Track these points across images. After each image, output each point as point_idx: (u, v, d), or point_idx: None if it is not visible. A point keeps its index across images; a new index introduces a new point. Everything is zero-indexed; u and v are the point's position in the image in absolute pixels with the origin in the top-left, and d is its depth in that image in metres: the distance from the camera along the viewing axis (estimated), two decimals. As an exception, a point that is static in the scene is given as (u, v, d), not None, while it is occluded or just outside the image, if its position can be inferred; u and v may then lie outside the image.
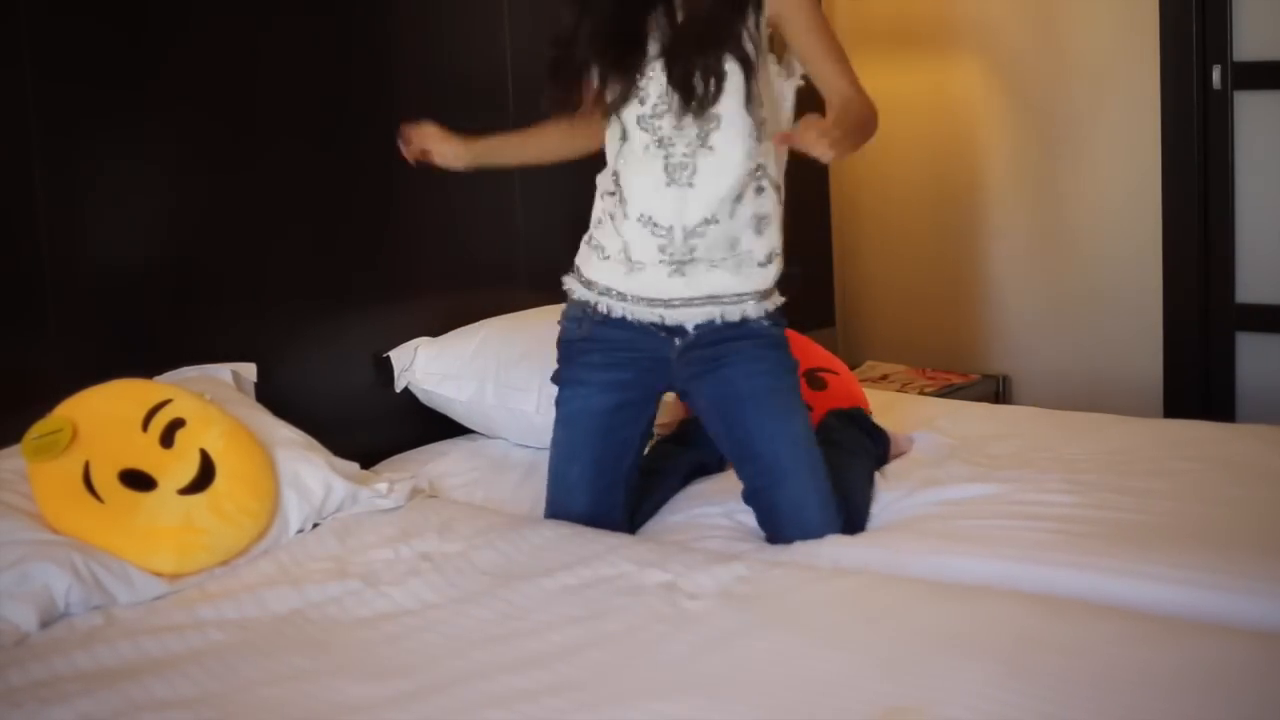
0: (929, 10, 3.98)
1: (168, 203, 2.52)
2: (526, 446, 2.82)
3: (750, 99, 2.28)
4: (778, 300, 2.40)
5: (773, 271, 2.37)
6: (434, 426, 2.90)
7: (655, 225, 2.31)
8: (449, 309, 2.97)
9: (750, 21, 2.29)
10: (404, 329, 2.91)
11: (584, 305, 2.40)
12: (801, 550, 2.22)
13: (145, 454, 2.18)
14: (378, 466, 2.69)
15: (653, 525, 2.45)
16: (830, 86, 2.33)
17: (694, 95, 2.25)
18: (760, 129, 2.31)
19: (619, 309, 2.36)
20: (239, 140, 2.61)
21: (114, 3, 2.41)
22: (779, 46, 2.37)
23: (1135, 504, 2.28)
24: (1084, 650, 1.67)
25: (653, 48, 2.29)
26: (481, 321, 2.95)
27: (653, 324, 2.36)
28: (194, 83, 2.54)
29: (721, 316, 2.34)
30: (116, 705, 1.66)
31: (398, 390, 2.87)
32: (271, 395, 2.54)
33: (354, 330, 2.84)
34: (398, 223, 2.92)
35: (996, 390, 3.92)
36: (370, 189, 2.85)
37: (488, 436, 2.91)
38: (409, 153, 2.51)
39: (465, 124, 3.01)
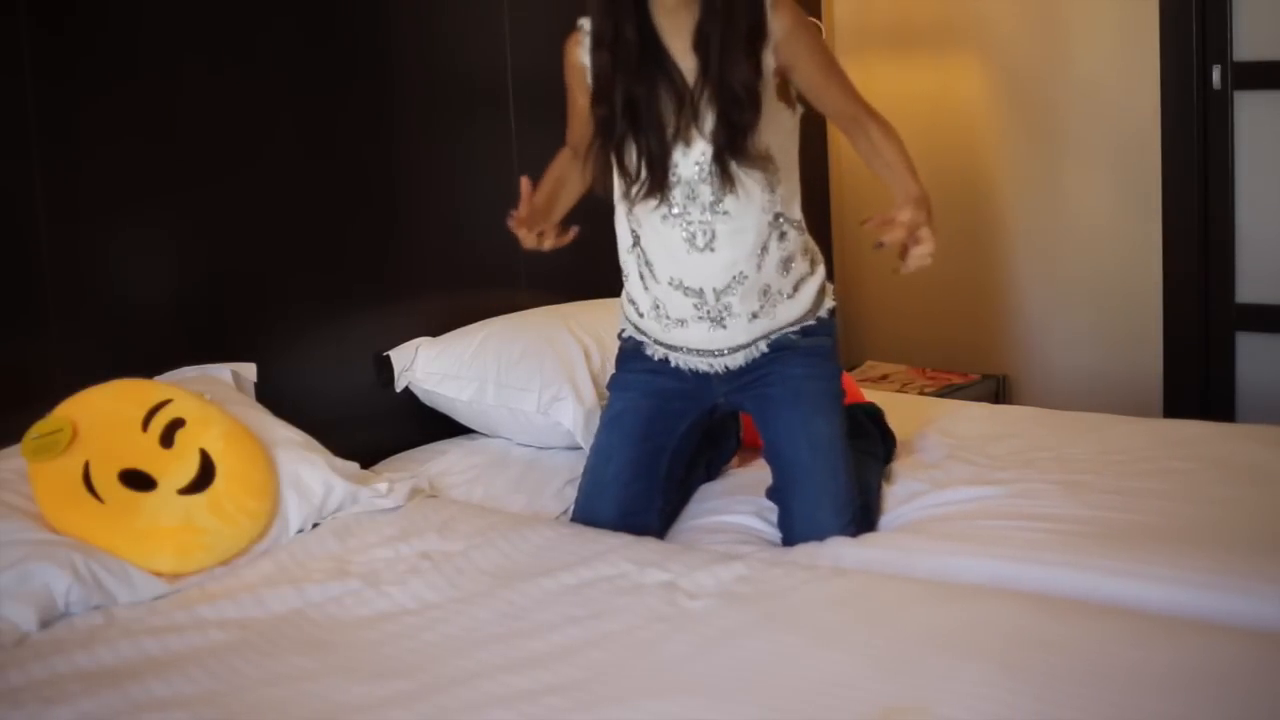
0: (929, 10, 3.98)
1: (167, 203, 2.52)
2: (527, 446, 2.82)
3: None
4: (819, 314, 2.43)
5: (805, 297, 2.41)
6: (434, 426, 2.91)
7: (686, 288, 2.34)
8: (449, 309, 2.97)
9: (764, 73, 2.26)
10: (404, 329, 2.91)
11: (639, 342, 2.47)
12: (802, 550, 2.23)
13: (145, 454, 2.18)
14: (378, 466, 2.69)
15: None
16: (845, 116, 2.33)
17: (731, 182, 2.25)
18: (773, 178, 2.31)
19: (672, 358, 2.42)
20: (239, 140, 2.61)
21: (113, 4, 2.41)
22: (781, 84, 2.33)
23: (1135, 504, 2.28)
24: (1083, 650, 1.67)
25: (671, 129, 2.25)
26: (482, 321, 2.95)
27: (699, 369, 2.42)
28: (193, 82, 2.54)
29: (760, 349, 2.40)
30: (117, 705, 1.66)
31: (398, 390, 2.87)
32: (271, 395, 2.54)
33: (354, 330, 2.84)
34: (398, 223, 2.92)
35: (996, 390, 3.92)
36: (371, 189, 2.85)
37: (488, 436, 2.91)
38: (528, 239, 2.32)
39: (465, 124, 3.03)
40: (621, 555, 2.09)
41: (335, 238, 2.79)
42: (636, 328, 2.46)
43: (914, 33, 4.01)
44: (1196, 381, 3.64)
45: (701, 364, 2.41)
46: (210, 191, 2.58)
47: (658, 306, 2.39)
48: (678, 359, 2.42)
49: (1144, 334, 3.71)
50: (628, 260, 2.42)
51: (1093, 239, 3.80)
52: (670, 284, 2.35)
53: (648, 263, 2.37)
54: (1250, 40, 3.48)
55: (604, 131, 2.28)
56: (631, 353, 2.49)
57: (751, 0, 2.22)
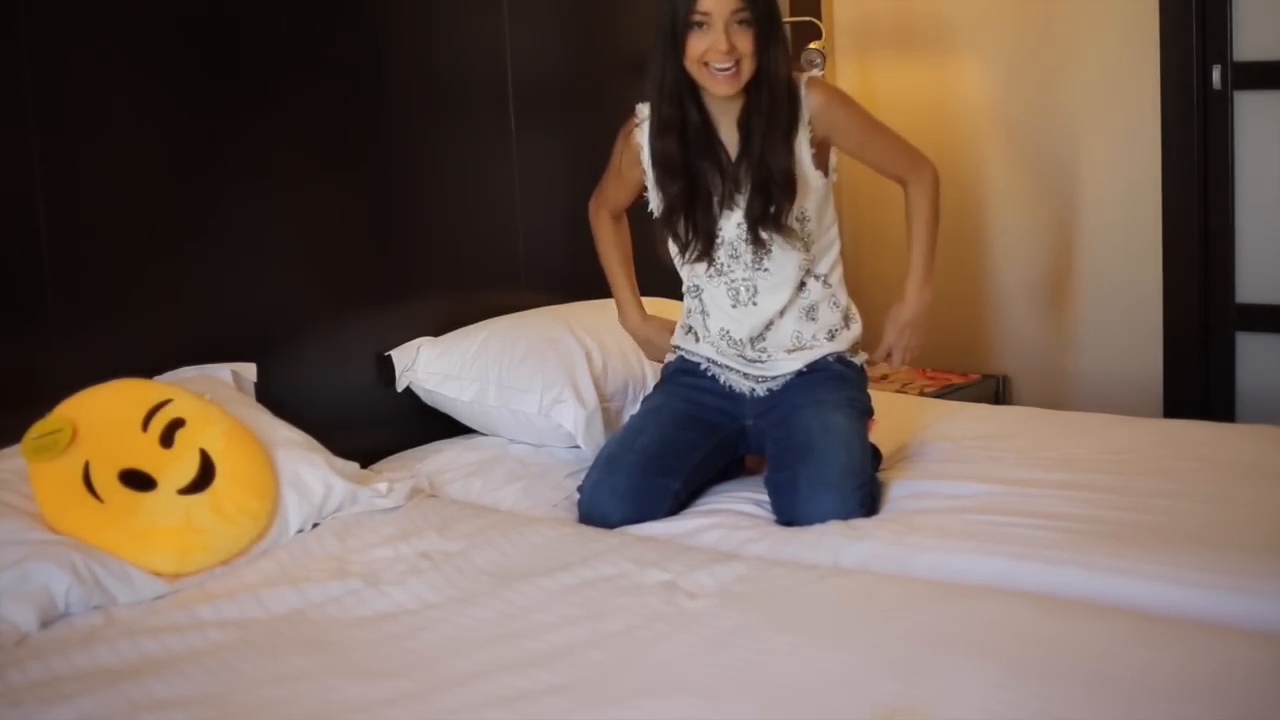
0: (929, 10, 3.98)
1: (167, 203, 2.52)
2: (523, 443, 2.82)
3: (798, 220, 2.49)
4: (855, 358, 2.59)
5: (841, 342, 2.57)
6: (434, 426, 2.90)
7: (731, 338, 2.55)
8: (449, 309, 2.97)
9: (798, 151, 2.45)
10: (404, 329, 2.91)
11: (688, 360, 2.63)
12: (802, 548, 2.22)
13: (145, 454, 2.18)
14: (377, 465, 2.69)
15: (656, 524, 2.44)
16: (893, 173, 2.60)
17: (765, 246, 2.47)
18: (808, 238, 2.50)
19: (716, 372, 2.58)
20: (239, 140, 2.61)
21: (114, 7, 2.41)
22: (816, 153, 2.50)
23: (1135, 504, 2.28)
24: (1085, 650, 1.67)
25: (715, 200, 2.48)
26: (483, 322, 2.95)
27: (737, 389, 2.58)
28: (193, 82, 2.54)
29: (798, 370, 2.56)
30: (116, 705, 1.66)
31: (400, 390, 2.87)
32: (271, 395, 2.54)
33: (354, 330, 2.84)
34: (398, 223, 2.92)
35: (996, 390, 3.91)
36: (371, 189, 2.85)
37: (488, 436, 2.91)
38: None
39: (465, 124, 3.03)
40: (621, 555, 2.09)
41: (335, 237, 2.79)
42: (691, 352, 2.61)
43: (914, 33, 4.01)
44: (1196, 381, 3.63)
45: (743, 385, 2.56)
46: (210, 192, 2.58)
47: (714, 342, 2.57)
48: (721, 374, 2.57)
49: (1144, 334, 3.71)
50: (690, 301, 2.61)
51: (1093, 239, 3.79)
52: (719, 334, 2.56)
53: (705, 311, 2.57)
54: (1250, 40, 3.48)
55: (672, 206, 2.50)
56: (677, 367, 2.63)
57: (789, 84, 2.43)
